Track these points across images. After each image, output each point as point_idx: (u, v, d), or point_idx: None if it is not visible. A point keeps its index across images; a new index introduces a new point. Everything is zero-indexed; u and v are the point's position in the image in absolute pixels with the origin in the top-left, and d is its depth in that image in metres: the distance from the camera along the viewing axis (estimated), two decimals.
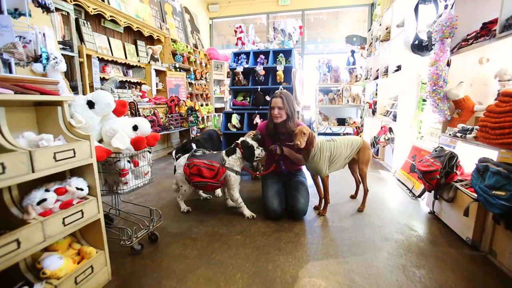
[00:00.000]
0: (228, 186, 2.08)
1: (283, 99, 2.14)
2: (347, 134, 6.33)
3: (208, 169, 1.96)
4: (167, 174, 3.35)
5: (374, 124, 4.49)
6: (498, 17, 1.55)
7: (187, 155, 2.16)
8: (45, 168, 1.03)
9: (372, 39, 4.85)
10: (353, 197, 2.51)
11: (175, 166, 2.28)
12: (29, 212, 1.03)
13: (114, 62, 4.02)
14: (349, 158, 2.14)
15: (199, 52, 6.18)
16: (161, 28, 5.11)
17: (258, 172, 3.09)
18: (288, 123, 2.16)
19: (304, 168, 2.36)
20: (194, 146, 2.57)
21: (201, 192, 2.52)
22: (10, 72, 1.62)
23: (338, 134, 6.65)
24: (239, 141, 2.11)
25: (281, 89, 3.19)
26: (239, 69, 3.38)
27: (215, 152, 2.19)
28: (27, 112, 1.23)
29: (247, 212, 2.10)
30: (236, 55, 3.62)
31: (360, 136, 5.43)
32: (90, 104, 1.44)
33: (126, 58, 4.22)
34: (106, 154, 1.40)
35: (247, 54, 3.56)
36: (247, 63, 3.49)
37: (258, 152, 2.09)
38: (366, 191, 2.24)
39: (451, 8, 2.19)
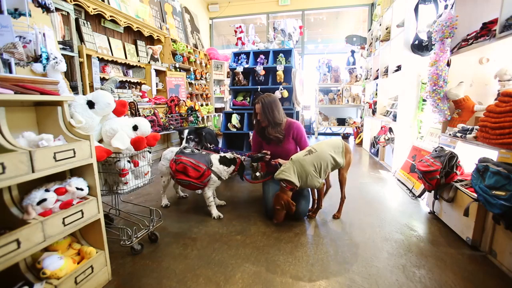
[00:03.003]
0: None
1: (262, 105, 2.14)
2: (347, 134, 6.33)
3: (194, 169, 1.97)
4: None
5: (374, 124, 4.49)
6: (498, 17, 1.56)
7: (174, 149, 2.21)
8: (45, 168, 1.03)
9: (372, 39, 4.85)
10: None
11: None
12: (29, 212, 1.03)
13: (114, 62, 4.02)
14: (343, 159, 1.98)
15: (199, 52, 6.18)
16: (161, 28, 5.11)
17: (257, 173, 3.09)
18: (269, 129, 2.18)
19: None
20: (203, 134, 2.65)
21: (179, 189, 2.56)
22: (10, 72, 1.61)
23: (338, 134, 6.66)
24: (241, 159, 2.20)
25: (281, 89, 3.21)
26: (239, 69, 3.38)
27: (203, 152, 2.22)
28: (27, 112, 1.23)
29: (215, 212, 2.09)
30: (236, 55, 3.62)
31: (360, 137, 5.41)
32: (90, 104, 1.44)
33: (126, 58, 4.22)
34: (106, 154, 1.40)
35: (247, 54, 3.56)
36: (247, 63, 3.49)
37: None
38: (343, 198, 2.08)
39: (451, 8, 2.19)
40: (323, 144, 2.01)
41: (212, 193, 2.29)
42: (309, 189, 2.15)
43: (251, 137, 3.24)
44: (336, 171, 2.07)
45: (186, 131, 2.53)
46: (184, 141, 2.48)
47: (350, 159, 2.06)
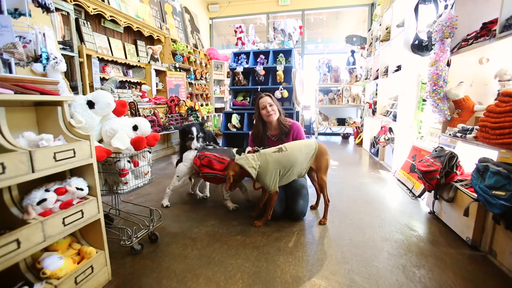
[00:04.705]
0: None
1: (270, 96, 2.24)
2: (347, 134, 6.32)
3: (219, 162, 2.05)
4: (167, 174, 3.34)
5: (374, 124, 4.48)
6: (498, 17, 1.55)
7: (193, 151, 2.27)
8: (45, 168, 1.03)
9: (372, 39, 4.85)
10: (314, 207, 2.25)
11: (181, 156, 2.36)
12: (29, 212, 1.03)
13: (114, 62, 4.02)
14: (308, 164, 1.90)
15: (199, 52, 6.18)
16: (161, 28, 5.11)
17: None
18: (280, 118, 2.25)
19: None
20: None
21: (197, 191, 2.55)
22: (10, 72, 1.61)
23: (338, 134, 6.66)
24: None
25: (281, 89, 3.21)
26: (239, 69, 3.38)
27: (225, 148, 2.28)
28: (27, 112, 1.23)
29: (230, 204, 2.22)
30: (236, 55, 3.62)
31: (360, 137, 5.39)
32: (90, 104, 1.44)
33: (126, 58, 4.22)
34: (106, 154, 1.40)
35: (247, 54, 3.56)
36: (247, 63, 3.49)
37: None
38: (327, 203, 1.98)
39: (451, 8, 2.19)
40: (295, 144, 1.94)
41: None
42: (307, 189, 2.15)
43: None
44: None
45: (194, 129, 2.39)
46: (195, 140, 2.36)
47: (327, 161, 1.94)
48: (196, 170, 2.16)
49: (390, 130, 3.56)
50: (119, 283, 1.36)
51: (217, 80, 6.80)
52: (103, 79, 3.65)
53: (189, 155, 2.26)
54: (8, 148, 0.96)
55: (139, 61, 4.50)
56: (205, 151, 2.13)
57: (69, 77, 2.95)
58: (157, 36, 4.84)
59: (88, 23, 3.60)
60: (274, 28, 3.74)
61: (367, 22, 6.55)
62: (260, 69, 3.27)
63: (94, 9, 3.47)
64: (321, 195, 2.20)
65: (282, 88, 3.21)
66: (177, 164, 2.38)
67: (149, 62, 4.62)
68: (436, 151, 2.07)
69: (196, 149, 2.31)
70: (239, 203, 2.31)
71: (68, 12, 2.86)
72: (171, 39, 5.12)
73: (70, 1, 3.08)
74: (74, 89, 2.92)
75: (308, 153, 1.91)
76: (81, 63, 3.12)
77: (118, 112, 1.62)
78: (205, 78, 6.38)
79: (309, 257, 1.56)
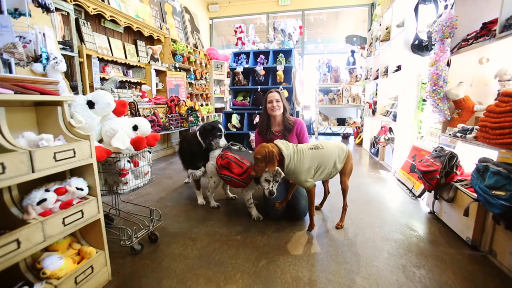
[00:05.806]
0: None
1: (279, 93, 2.25)
2: (347, 134, 6.32)
3: (238, 165, 1.94)
4: (167, 174, 3.35)
5: (374, 124, 4.49)
6: (498, 17, 1.56)
7: (218, 150, 2.25)
8: (45, 168, 1.03)
9: (372, 39, 4.86)
10: (318, 208, 2.24)
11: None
12: (29, 212, 1.03)
13: (114, 62, 4.02)
14: (339, 167, 1.87)
15: (199, 52, 6.18)
16: (161, 28, 5.11)
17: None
18: (285, 115, 2.26)
19: None
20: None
21: (228, 190, 2.50)
22: (10, 72, 1.61)
23: (338, 134, 6.66)
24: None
25: (281, 89, 3.21)
26: (239, 69, 3.39)
27: (250, 152, 2.19)
28: (27, 112, 1.23)
29: (254, 213, 2.06)
30: (236, 55, 3.63)
31: (360, 137, 5.38)
32: (90, 104, 1.44)
33: (126, 58, 4.22)
34: (106, 154, 1.40)
35: (247, 54, 3.56)
36: (247, 63, 3.49)
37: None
38: (345, 207, 1.96)
39: (451, 8, 2.19)
40: (330, 144, 1.88)
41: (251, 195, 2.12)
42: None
43: (251, 137, 3.24)
44: (338, 179, 1.95)
45: (221, 126, 2.34)
46: (224, 137, 2.33)
47: (351, 165, 1.95)
48: (216, 169, 2.12)
49: (390, 130, 3.56)
50: (119, 283, 1.36)
51: (217, 80, 6.80)
52: (103, 79, 3.65)
53: (215, 153, 2.24)
54: (8, 148, 0.96)
55: (139, 61, 4.49)
56: (229, 152, 2.05)
57: (69, 77, 2.95)
58: (157, 36, 4.83)
59: (88, 23, 3.60)
60: (274, 28, 3.75)
61: (367, 22, 6.55)
62: (260, 69, 3.28)
63: (94, 9, 3.47)
64: (328, 196, 2.24)
65: (282, 88, 3.21)
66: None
67: (149, 62, 4.62)
68: (436, 151, 2.07)
69: (225, 145, 2.28)
70: (239, 202, 2.31)
71: (68, 12, 2.85)
72: (171, 39, 5.11)
73: (70, 1, 3.07)
74: (74, 89, 2.92)
75: (340, 156, 1.87)
76: (81, 63, 3.12)
77: (118, 112, 1.62)
78: (205, 78, 6.38)
79: (309, 257, 1.56)
